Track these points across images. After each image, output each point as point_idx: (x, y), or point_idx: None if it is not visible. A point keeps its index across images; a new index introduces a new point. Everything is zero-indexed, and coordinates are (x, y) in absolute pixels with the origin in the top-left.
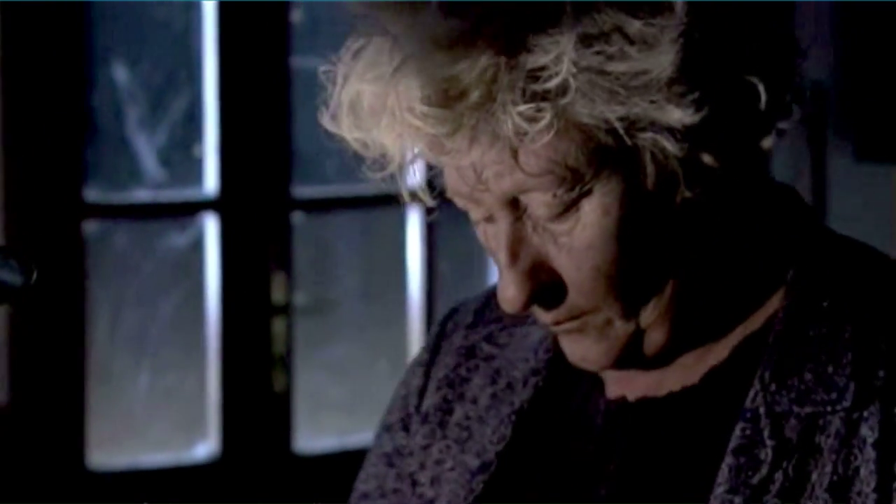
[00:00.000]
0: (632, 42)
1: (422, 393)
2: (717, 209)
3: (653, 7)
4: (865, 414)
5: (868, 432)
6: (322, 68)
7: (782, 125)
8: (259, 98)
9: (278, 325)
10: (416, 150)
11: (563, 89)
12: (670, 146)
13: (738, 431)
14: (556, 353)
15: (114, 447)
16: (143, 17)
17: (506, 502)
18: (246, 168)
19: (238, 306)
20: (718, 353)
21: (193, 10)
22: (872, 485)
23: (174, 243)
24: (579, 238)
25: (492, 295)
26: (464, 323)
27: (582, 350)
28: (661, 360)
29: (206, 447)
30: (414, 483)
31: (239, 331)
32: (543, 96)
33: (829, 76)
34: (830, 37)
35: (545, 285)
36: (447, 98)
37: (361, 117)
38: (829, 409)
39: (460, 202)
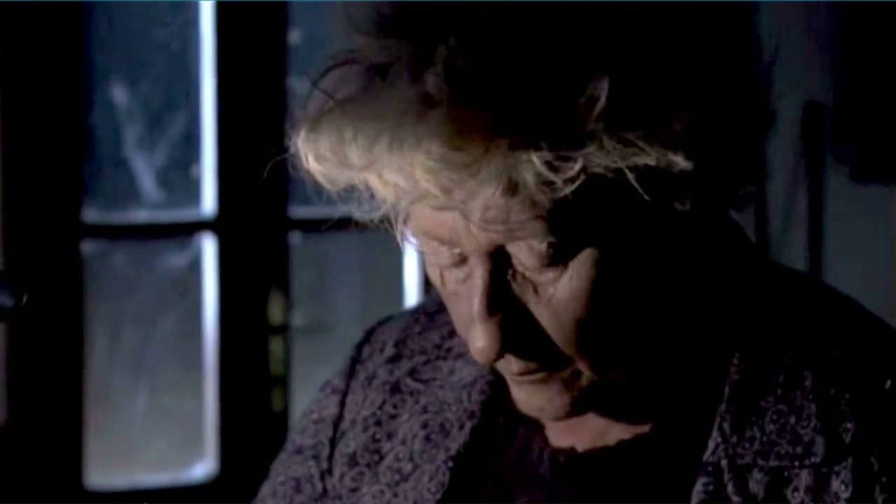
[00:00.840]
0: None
1: (336, 423)
2: (678, 256)
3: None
4: (836, 468)
5: (841, 487)
6: (307, 83)
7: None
8: (257, 119)
9: (276, 345)
10: (416, 193)
11: (592, 136)
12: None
13: (699, 486)
14: (490, 396)
15: (112, 466)
16: (142, 37)
17: None
18: (244, 188)
19: (236, 326)
20: (666, 399)
21: (191, 30)
22: None
23: (172, 263)
24: (564, 289)
25: (413, 322)
26: (384, 353)
27: (541, 401)
28: (613, 407)
29: (203, 467)
30: None
31: (237, 351)
32: (573, 143)
33: (827, 96)
34: (828, 57)
35: (519, 336)
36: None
37: (356, 150)
38: (796, 463)
39: (429, 244)
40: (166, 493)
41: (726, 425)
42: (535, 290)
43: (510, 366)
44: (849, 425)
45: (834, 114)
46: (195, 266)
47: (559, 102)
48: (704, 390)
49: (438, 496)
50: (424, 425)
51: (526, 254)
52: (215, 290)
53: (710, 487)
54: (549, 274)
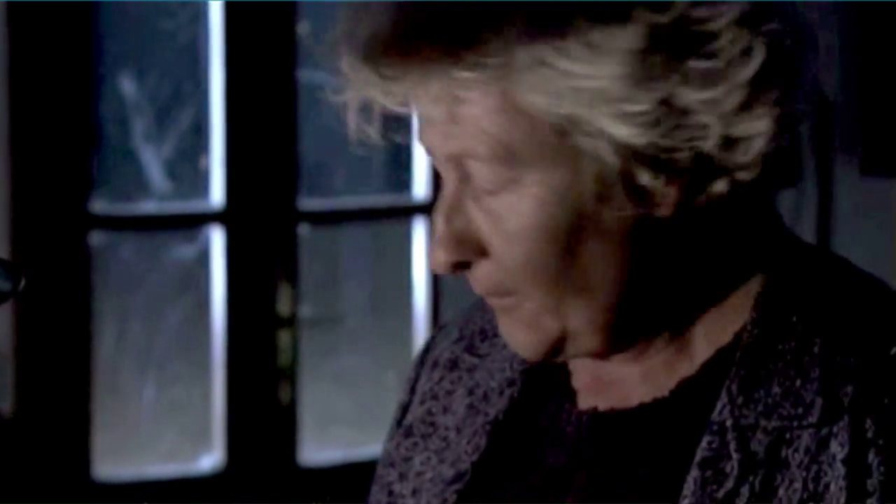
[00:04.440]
0: (581, 42)
1: (405, 408)
2: (667, 226)
3: (610, 16)
4: (835, 430)
5: (838, 448)
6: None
7: (742, 174)
8: (266, 110)
9: (284, 338)
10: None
11: (506, 68)
12: (609, 159)
13: (704, 444)
14: (531, 367)
15: (120, 458)
16: (150, 28)
17: None
18: (252, 180)
19: (244, 318)
20: (688, 365)
21: (200, 22)
22: (842, 501)
23: (180, 255)
24: (512, 221)
25: (476, 307)
26: (450, 336)
27: (514, 338)
28: (636, 373)
29: (211, 459)
30: (391, 493)
31: (245, 343)
32: (484, 69)
33: (835, 91)
34: (836, 52)
35: (474, 256)
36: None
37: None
38: (795, 423)
39: (428, 157)
40: (174, 486)
41: (734, 387)
42: (491, 216)
43: (474, 286)
44: (848, 388)
45: (842, 109)
46: (203, 258)
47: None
48: (722, 356)
49: (475, 458)
50: (470, 393)
51: (478, 174)
52: (223, 281)
53: (714, 445)
54: (501, 202)
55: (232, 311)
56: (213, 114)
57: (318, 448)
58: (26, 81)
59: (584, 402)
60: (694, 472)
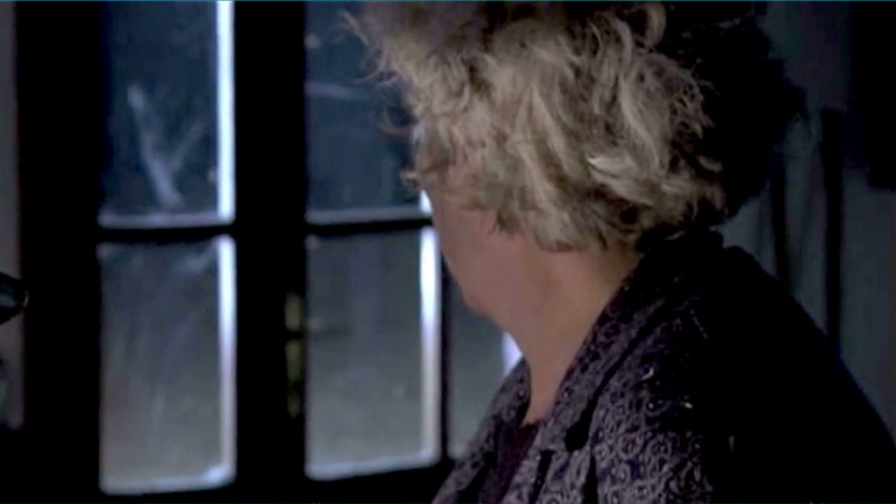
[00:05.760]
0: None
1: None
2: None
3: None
4: (577, 455)
5: (575, 475)
6: None
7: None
8: (274, 123)
9: (293, 350)
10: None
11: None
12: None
13: (522, 467)
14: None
15: (129, 471)
16: (160, 42)
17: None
18: (261, 193)
19: (253, 331)
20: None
21: (209, 35)
22: None
23: (189, 268)
24: (437, 197)
25: None
26: None
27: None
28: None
29: (220, 471)
30: None
31: (254, 355)
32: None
33: (844, 104)
34: (845, 65)
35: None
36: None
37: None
38: (559, 447)
39: None
40: (183, 498)
41: (555, 409)
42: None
43: None
44: (600, 413)
45: (851, 120)
46: (212, 270)
47: None
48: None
49: (487, 448)
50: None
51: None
52: (232, 294)
53: (522, 470)
54: (433, 177)
55: (241, 324)
56: (222, 126)
57: (326, 460)
58: (36, 94)
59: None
60: (507, 496)
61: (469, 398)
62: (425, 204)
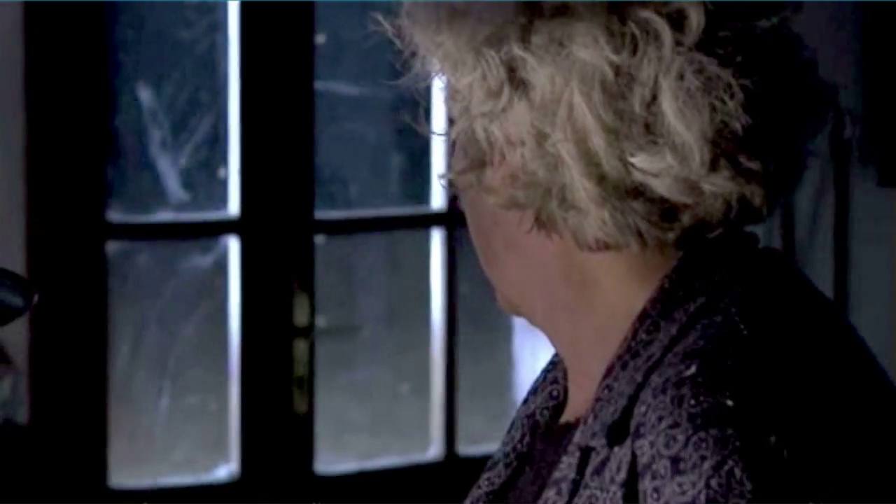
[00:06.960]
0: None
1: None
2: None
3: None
4: (618, 451)
5: (615, 471)
6: None
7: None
8: (282, 120)
9: (300, 347)
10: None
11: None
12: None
13: (562, 464)
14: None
15: (135, 467)
16: (168, 38)
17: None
18: (269, 190)
19: (260, 328)
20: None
21: (218, 32)
22: None
23: (196, 264)
24: (470, 199)
25: None
26: None
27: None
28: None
29: (227, 468)
30: None
31: (261, 352)
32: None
33: (853, 104)
34: (853, 66)
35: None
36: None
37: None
38: (600, 443)
39: None
40: (189, 494)
41: (596, 406)
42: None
43: None
44: (642, 408)
45: (860, 121)
46: (220, 267)
47: None
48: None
49: (521, 448)
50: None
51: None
52: (239, 291)
53: (562, 466)
54: (470, 178)
55: (248, 321)
56: (230, 123)
57: (333, 457)
58: (43, 91)
59: (567, 413)
60: (546, 493)
61: (476, 396)
62: (433, 202)
